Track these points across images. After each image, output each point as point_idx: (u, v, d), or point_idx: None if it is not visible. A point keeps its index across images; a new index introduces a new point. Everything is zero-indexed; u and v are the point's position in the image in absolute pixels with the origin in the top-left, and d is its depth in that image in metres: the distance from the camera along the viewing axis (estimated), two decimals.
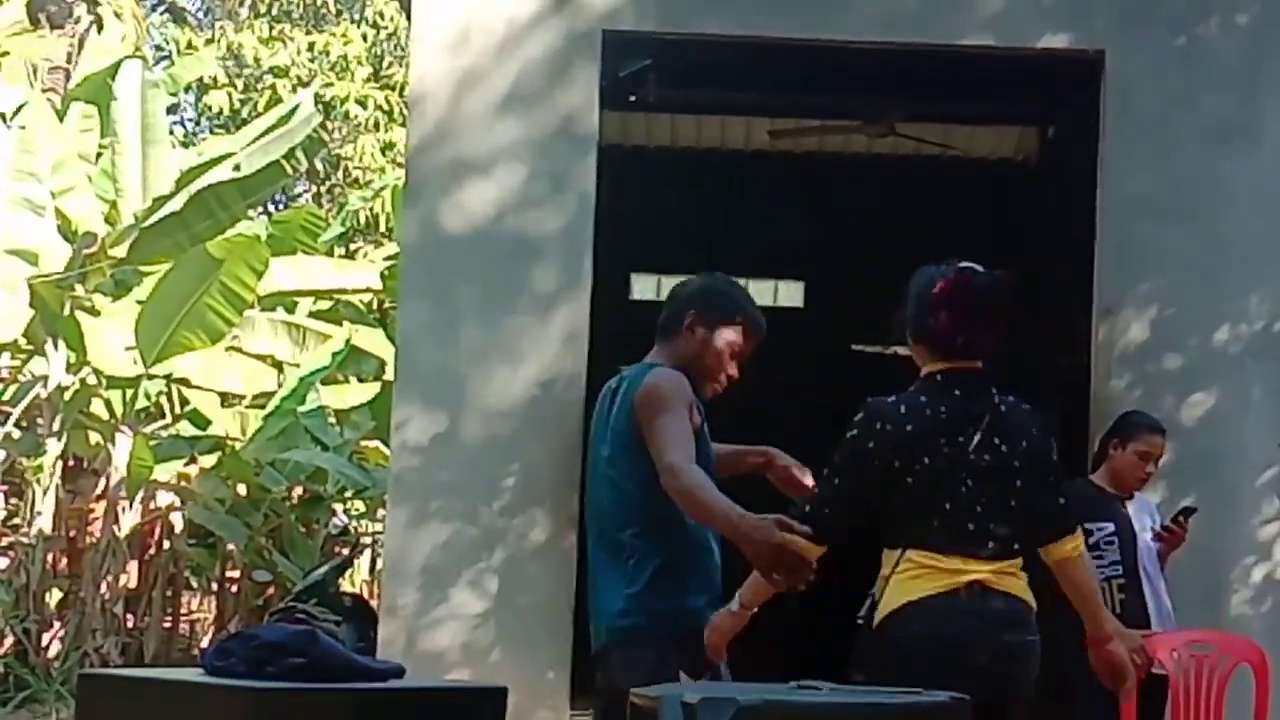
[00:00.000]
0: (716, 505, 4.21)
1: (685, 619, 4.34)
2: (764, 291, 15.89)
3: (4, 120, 14.71)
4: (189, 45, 24.31)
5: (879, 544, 4.42)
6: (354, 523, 19.04)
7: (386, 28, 25.00)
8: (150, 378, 13.72)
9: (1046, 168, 13.81)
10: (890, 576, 4.25)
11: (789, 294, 15.67)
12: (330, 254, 18.67)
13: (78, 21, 18.89)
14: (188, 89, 22.75)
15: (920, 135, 12.87)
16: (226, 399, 15.45)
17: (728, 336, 4.63)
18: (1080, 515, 6.39)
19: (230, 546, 15.97)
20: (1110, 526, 6.37)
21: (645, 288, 15.97)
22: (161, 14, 27.35)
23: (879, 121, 11.97)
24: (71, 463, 15.22)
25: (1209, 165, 8.79)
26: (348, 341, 15.39)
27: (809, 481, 4.68)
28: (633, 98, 11.47)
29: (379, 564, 14.18)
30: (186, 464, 15.49)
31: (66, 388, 13.74)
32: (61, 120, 14.88)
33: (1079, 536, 4.53)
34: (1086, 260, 9.16)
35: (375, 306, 18.28)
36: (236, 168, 14.11)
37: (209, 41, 24.81)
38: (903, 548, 4.29)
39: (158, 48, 25.56)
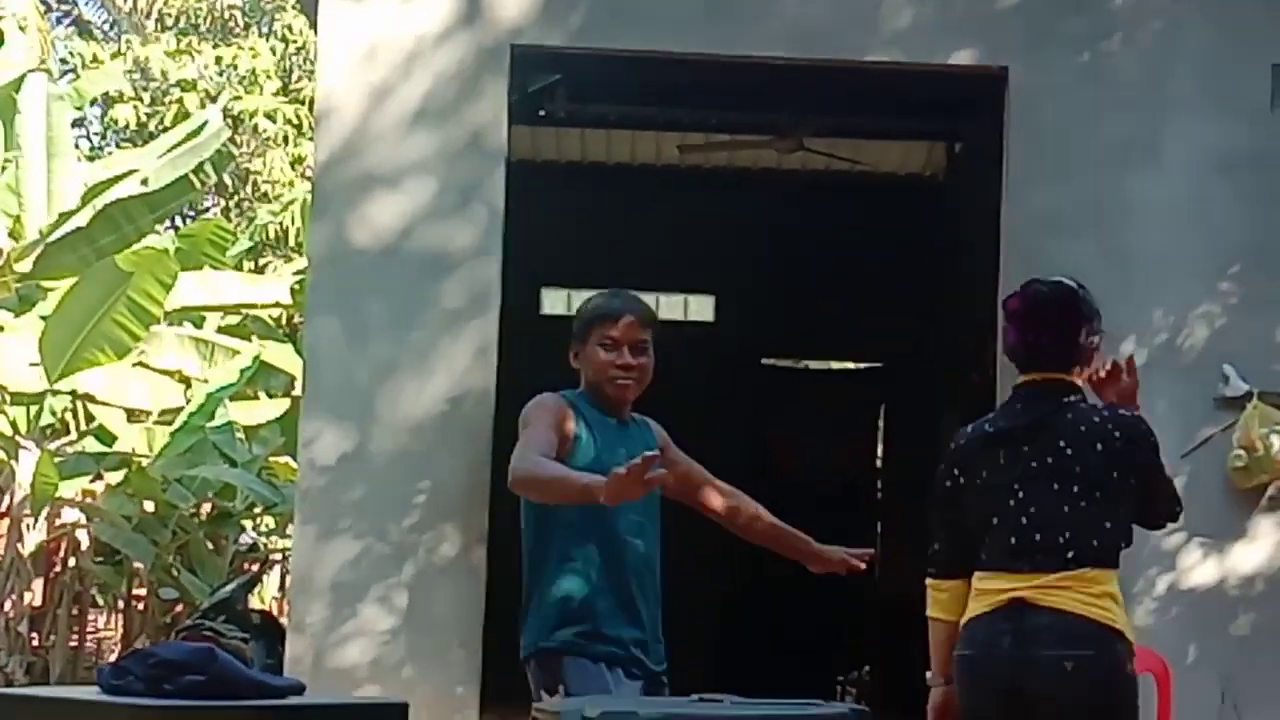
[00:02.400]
0: (553, 476, 4.24)
1: (543, 641, 4.45)
2: (674, 305, 15.94)
3: None
4: (94, 59, 24.07)
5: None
6: (264, 539, 18.88)
7: (295, 41, 24.85)
8: (55, 393, 13.57)
9: (954, 183, 13.96)
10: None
11: (699, 308, 15.73)
12: (239, 268, 18.53)
13: None
14: (94, 102, 22.50)
15: (829, 151, 12.96)
16: (133, 415, 15.29)
17: (595, 340, 4.70)
18: None
19: (137, 564, 15.79)
20: None
21: (555, 302, 15.97)
22: (67, 27, 27.08)
23: (788, 137, 12.04)
24: None
25: (1112, 181, 8.89)
26: (256, 357, 15.27)
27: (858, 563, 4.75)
28: (542, 113, 11.47)
29: (289, 580, 14.08)
30: (92, 480, 15.32)
31: None
32: None
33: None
34: (993, 274, 9.24)
35: (284, 321, 18.17)
36: (144, 182, 13.99)
37: (115, 55, 24.58)
38: (976, 570, 4.27)
39: (62, 61, 25.27)
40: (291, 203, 21.10)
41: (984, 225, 9.71)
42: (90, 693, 3.52)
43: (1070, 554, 4.12)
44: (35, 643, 14.46)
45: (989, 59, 9.00)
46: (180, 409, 14.96)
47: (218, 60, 24.55)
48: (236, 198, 25.14)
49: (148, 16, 26.53)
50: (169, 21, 26.19)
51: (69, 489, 14.60)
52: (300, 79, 24.38)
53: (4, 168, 14.58)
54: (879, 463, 16.52)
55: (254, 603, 15.59)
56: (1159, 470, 4.38)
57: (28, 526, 13.96)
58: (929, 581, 4.40)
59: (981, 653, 4.12)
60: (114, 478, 15.18)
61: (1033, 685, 4.02)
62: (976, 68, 9.07)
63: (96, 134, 26.63)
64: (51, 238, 13.51)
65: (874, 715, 3.46)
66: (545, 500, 4.35)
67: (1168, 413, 8.70)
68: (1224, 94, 8.93)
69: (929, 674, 4.41)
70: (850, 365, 17.01)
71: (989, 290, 9.39)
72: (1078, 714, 4.05)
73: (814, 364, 17.14)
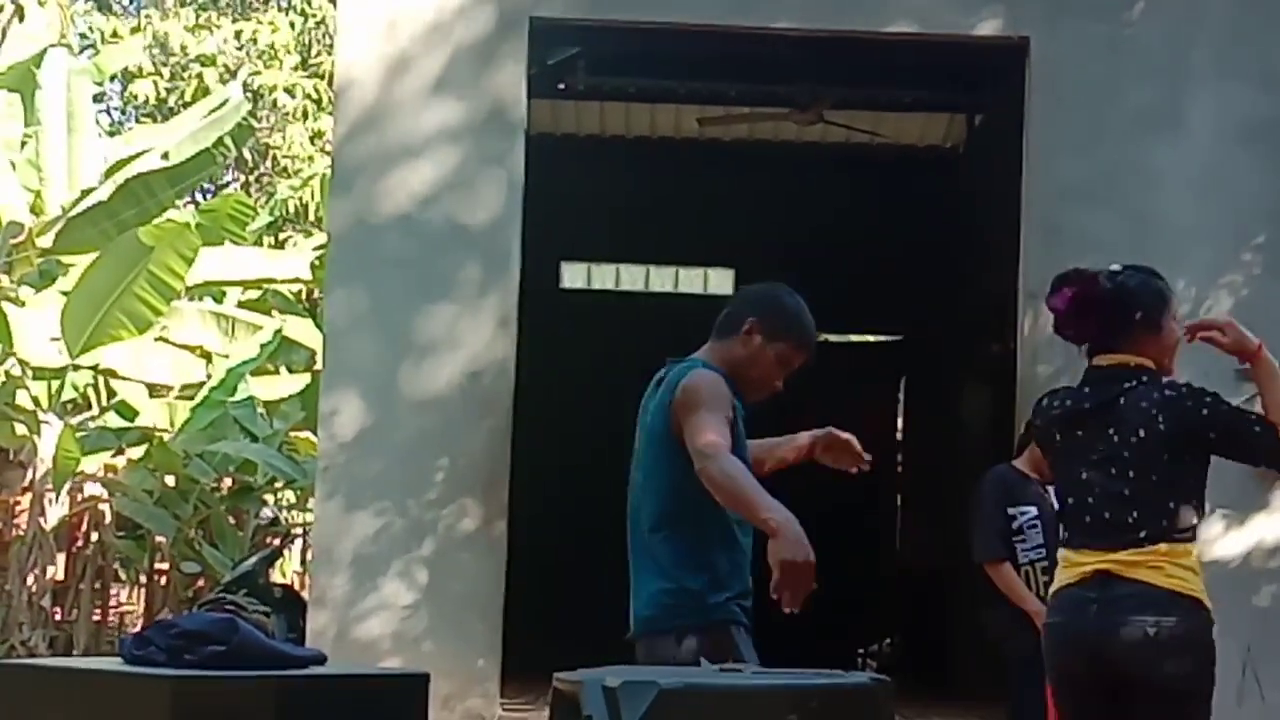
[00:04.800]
0: (753, 494, 4.22)
1: (707, 611, 4.36)
2: (694, 279, 15.93)
3: None
4: (114, 34, 24.05)
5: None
6: (285, 513, 18.92)
7: (315, 15, 24.80)
8: (76, 368, 13.59)
9: (975, 154, 13.91)
10: None
11: (719, 281, 15.71)
12: (259, 243, 18.52)
13: (0, 10, 18.66)
14: (113, 78, 22.48)
15: (849, 123, 12.92)
16: (154, 390, 15.31)
17: (782, 352, 4.59)
18: (1002, 499, 6.49)
19: (159, 538, 15.83)
20: (1033, 510, 6.41)
21: (575, 276, 15.98)
22: (87, 2, 27.09)
23: (808, 109, 12.01)
24: None
25: (1134, 151, 8.86)
26: (277, 332, 15.27)
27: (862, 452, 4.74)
28: (562, 85, 11.48)
29: (310, 554, 14.13)
30: (114, 455, 15.34)
31: None
32: None
33: None
34: (1014, 246, 9.22)
35: (305, 296, 18.16)
36: (165, 156, 13.99)
37: (135, 30, 24.55)
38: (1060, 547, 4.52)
39: (82, 36, 25.26)
40: (311, 178, 21.06)
41: (1005, 196, 9.69)
42: (113, 663, 3.54)
43: (1143, 533, 4.30)
44: (58, 617, 14.51)
45: (1010, 29, 8.96)
46: (201, 384, 14.99)
47: (237, 35, 24.52)
48: (256, 173, 25.15)
49: None
50: None
51: (91, 464, 14.63)
52: (319, 53, 24.35)
53: (25, 143, 14.59)
54: (899, 435, 16.51)
55: (275, 577, 15.64)
56: (1223, 421, 4.42)
57: (50, 501, 14.00)
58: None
59: (1070, 619, 4.34)
60: (135, 452, 15.21)
61: (1118, 650, 4.24)
62: (997, 38, 9.03)
63: (116, 109, 26.65)
64: (73, 213, 13.51)
65: (898, 686, 3.47)
66: (721, 501, 4.31)
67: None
68: (1246, 63, 8.89)
69: None
70: (870, 338, 16.98)
71: (1009, 261, 9.37)
72: (1162, 678, 4.24)
73: (834, 337, 17.12)
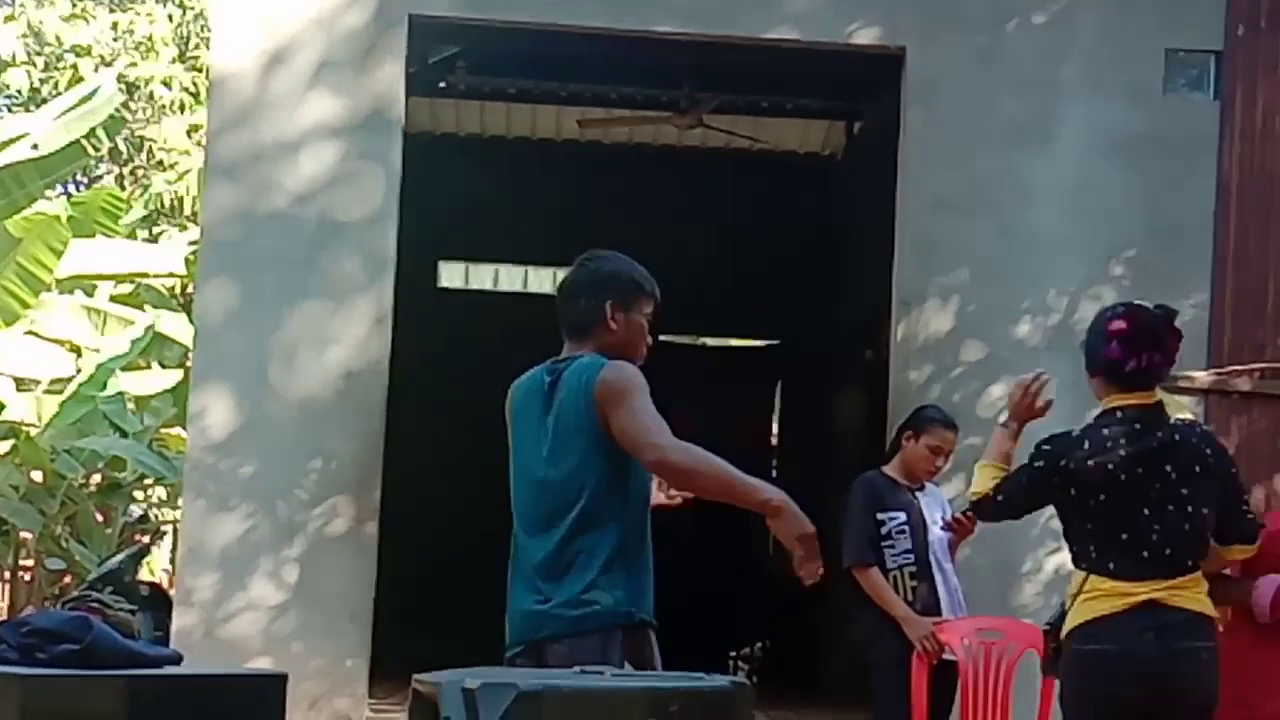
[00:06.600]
0: (740, 477, 4.19)
1: (629, 614, 4.29)
2: None
3: None
4: None
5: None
6: (154, 511, 18.69)
7: (193, 8, 24.49)
8: None
9: (852, 162, 14.02)
10: (1076, 596, 4.73)
11: None
12: (133, 237, 18.27)
13: None
14: None
15: (730, 128, 12.98)
16: (22, 383, 15.06)
17: (642, 310, 4.57)
18: (871, 505, 6.54)
19: (24, 534, 15.59)
20: (902, 516, 6.46)
21: (453, 275, 15.91)
22: None
23: (688, 113, 12.04)
24: None
25: (1007, 164, 8.97)
26: (150, 327, 15.08)
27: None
28: (442, 85, 11.42)
29: (178, 553, 13.95)
30: None
31: None
32: None
33: (1253, 547, 4.91)
34: (888, 254, 9.30)
35: (179, 291, 17.95)
36: (35, 146, 13.75)
37: (9, 18, 24.13)
38: (1086, 572, 4.72)
39: None
40: (187, 171, 20.80)
41: (881, 205, 9.77)
42: None
43: (1189, 563, 4.69)
44: None
45: (888, 40, 9.04)
46: (70, 378, 14.76)
47: (114, 26, 24.16)
48: (131, 165, 24.79)
49: None
50: None
51: None
52: (197, 46, 24.05)
53: None
54: (774, 439, 16.59)
55: (144, 575, 15.42)
56: (1239, 482, 4.89)
57: None
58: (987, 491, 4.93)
59: (1125, 643, 4.61)
60: (1, 447, 14.95)
61: (1181, 670, 4.62)
62: (876, 47, 9.10)
63: None
64: None
65: (769, 689, 3.48)
66: (705, 496, 4.24)
67: (1059, 393, 8.76)
68: (1117, 78, 9.03)
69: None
70: (747, 342, 17.06)
71: (884, 269, 9.45)
72: (1202, 693, 4.68)
73: (711, 341, 17.18)
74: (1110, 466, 4.66)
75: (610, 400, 4.26)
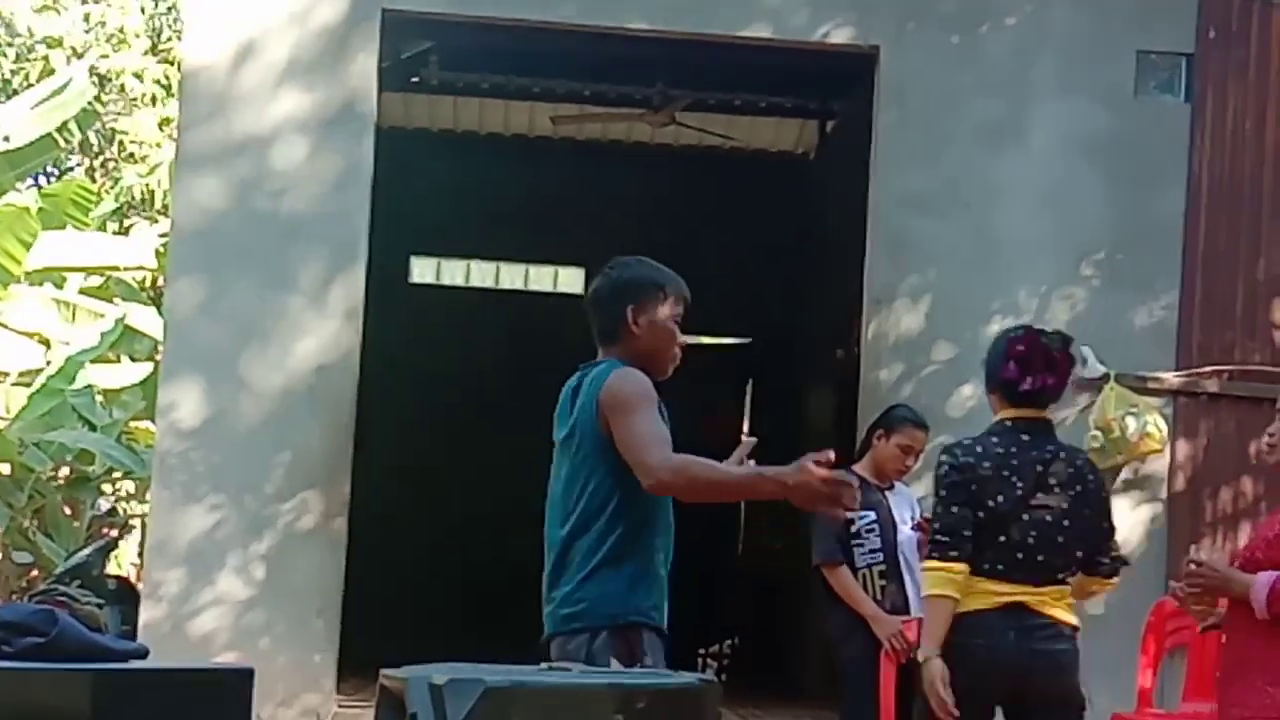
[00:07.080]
0: (731, 477, 4.31)
1: (620, 613, 4.34)
2: (544, 277, 15.91)
3: None
4: None
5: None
6: (123, 504, 18.62)
7: (166, 0, 24.43)
8: None
9: (825, 161, 14.04)
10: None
11: (569, 280, 15.70)
12: (103, 230, 18.19)
13: None
14: None
15: (703, 125, 12.98)
16: None
17: (670, 310, 4.59)
18: None
19: None
20: (871, 515, 6.46)
21: (425, 270, 15.89)
22: None
23: (661, 110, 12.04)
24: None
25: (978, 163, 9.00)
26: (119, 320, 15.02)
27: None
28: (415, 79, 11.40)
29: (145, 547, 13.89)
30: None
31: None
32: None
33: (1114, 581, 5.13)
34: (860, 253, 9.31)
35: (149, 284, 17.88)
36: (5, 138, 13.70)
37: None
38: (973, 567, 4.91)
39: None
40: (158, 164, 20.73)
41: (853, 204, 9.79)
42: None
43: (1059, 575, 4.93)
44: None
45: (861, 39, 9.06)
46: (39, 371, 14.69)
47: (86, 17, 24.06)
48: (102, 158, 24.69)
49: None
50: None
51: None
52: (170, 38, 23.96)
53: None
54: (745, 437, 16.59)
55: (112, 569, 15.37)
56: (1111, 521, 5.12)
57: None
58: (940, 564, 4.92)
59: (987, 639, 4.84)
60: None
61: (1035, 667, 4.86)
62: (849, 46, 9.12)
63: None
64: None
65: (738, 686, 3.48)
66: (716, 501, 4.29)
67: None
68: (1089, 79, 9.06)
69: (923, 648, 5.01)
70: (719, 340, 17.06)
71: (856, 268, 9.47)
72: (1059, 692, 4.95)
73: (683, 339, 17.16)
74: (1000, 470, 4.90)
75: (613, 410, 4.35)
